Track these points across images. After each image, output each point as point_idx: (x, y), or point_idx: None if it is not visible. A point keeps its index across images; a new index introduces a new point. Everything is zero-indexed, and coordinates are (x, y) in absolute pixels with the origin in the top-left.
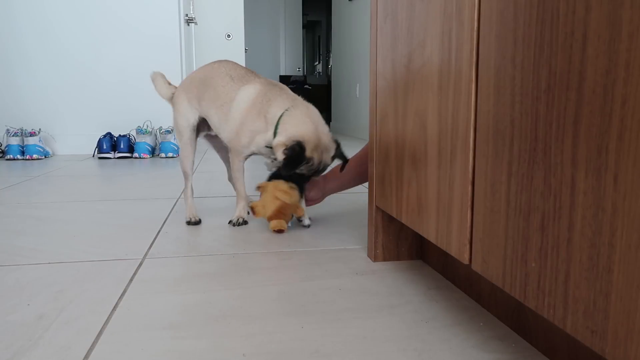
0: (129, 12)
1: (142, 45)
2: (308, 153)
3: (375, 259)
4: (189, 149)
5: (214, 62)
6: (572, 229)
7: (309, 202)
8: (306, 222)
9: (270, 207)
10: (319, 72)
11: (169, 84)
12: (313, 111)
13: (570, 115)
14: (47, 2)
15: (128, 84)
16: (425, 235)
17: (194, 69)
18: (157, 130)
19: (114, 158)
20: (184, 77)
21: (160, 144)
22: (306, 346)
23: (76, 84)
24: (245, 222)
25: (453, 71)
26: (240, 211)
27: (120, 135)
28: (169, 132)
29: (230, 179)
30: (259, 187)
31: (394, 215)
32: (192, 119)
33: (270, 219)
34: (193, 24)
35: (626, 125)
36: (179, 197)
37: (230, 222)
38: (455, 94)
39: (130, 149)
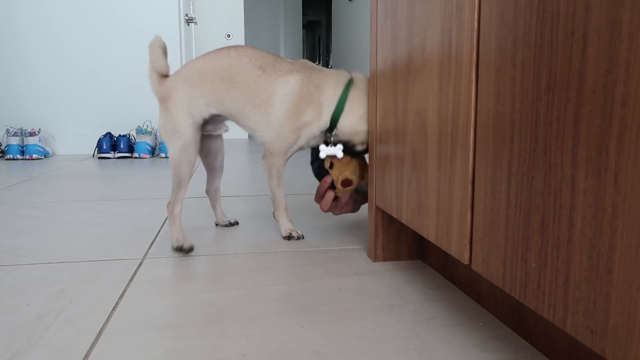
0: (128, 12)
1: (142, 44)
2: None
3: (375, 259)
4: (191, 151)
5: (229, 51)
6: (572, 229)
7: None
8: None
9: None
10: None
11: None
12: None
13: (570, 115)
14: (47, 1)
15: (128, 84)
16: (425, 235)
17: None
18: (157, 130)
19: (114, 158)
20: None
21: (160, 144)
22: (306, 346)
23: (76, 84)
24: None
25: (453, 71)
26: (286, 223)
27: (120, 135)
28: None
29: (208, 191)
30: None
31: (394, 215)
32: (198, 116)
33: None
34: (193, 23)
35: (626, 125)
36: None
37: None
38: (455, 94)
39: (130, 148)
